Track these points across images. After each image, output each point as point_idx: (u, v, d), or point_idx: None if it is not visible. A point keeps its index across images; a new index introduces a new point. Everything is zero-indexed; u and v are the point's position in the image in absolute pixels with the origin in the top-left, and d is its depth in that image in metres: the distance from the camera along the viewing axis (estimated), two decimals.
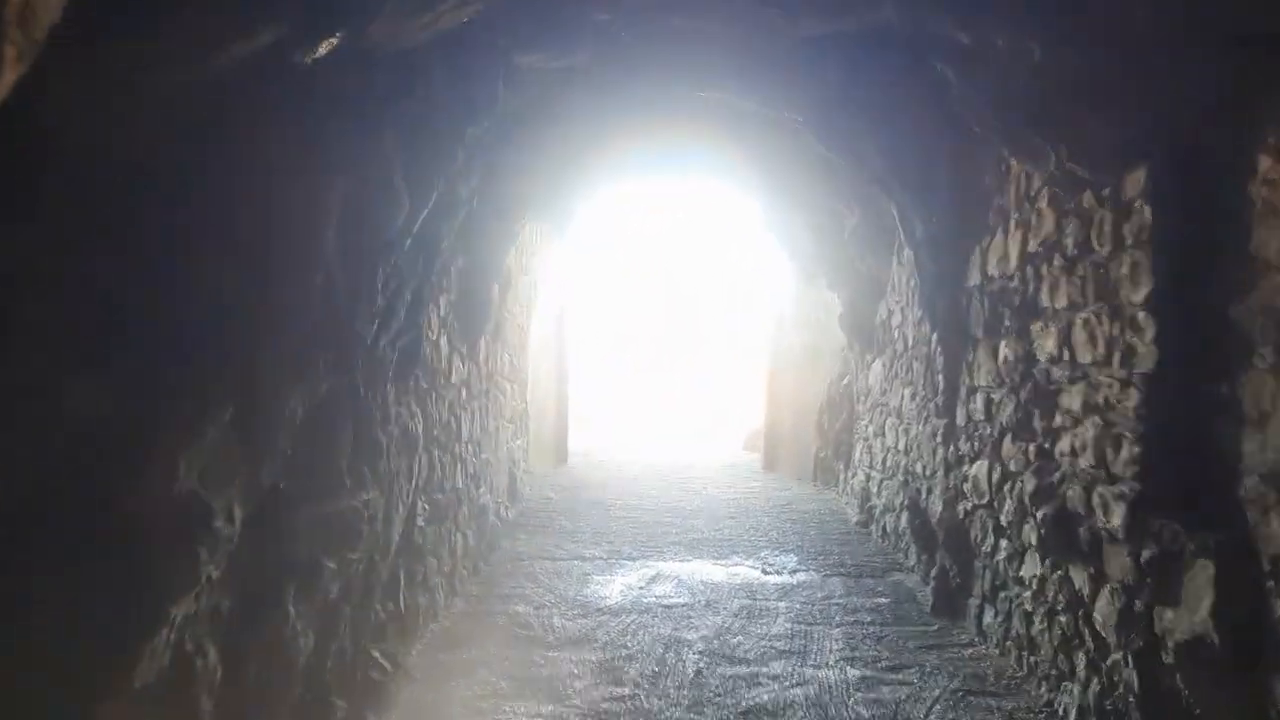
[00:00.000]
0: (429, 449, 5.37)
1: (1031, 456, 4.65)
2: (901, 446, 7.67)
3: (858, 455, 9.49)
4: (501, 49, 4.13)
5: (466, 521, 6.58)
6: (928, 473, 6.88)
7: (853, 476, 9.64)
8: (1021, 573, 4.79)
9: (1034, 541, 4.59)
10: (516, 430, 9.79)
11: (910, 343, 7.42)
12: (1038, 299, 4.61)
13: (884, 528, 8.06)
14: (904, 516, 7.36)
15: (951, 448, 6.34)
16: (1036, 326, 4.62)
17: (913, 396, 7.35)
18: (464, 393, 6.44)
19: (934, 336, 6.70)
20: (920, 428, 7.11)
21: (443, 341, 5.71)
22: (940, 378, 6.59)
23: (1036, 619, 4.57)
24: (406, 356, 4.51)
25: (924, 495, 6.94)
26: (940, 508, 6.41)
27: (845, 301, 9.47)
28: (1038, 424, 4.58)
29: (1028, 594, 4.69)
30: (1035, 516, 4.45)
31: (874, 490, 8.63)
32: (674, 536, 8.37)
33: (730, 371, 26.93)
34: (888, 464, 8.15)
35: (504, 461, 8.84)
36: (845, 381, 10.44)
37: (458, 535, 6.16)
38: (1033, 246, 4.70)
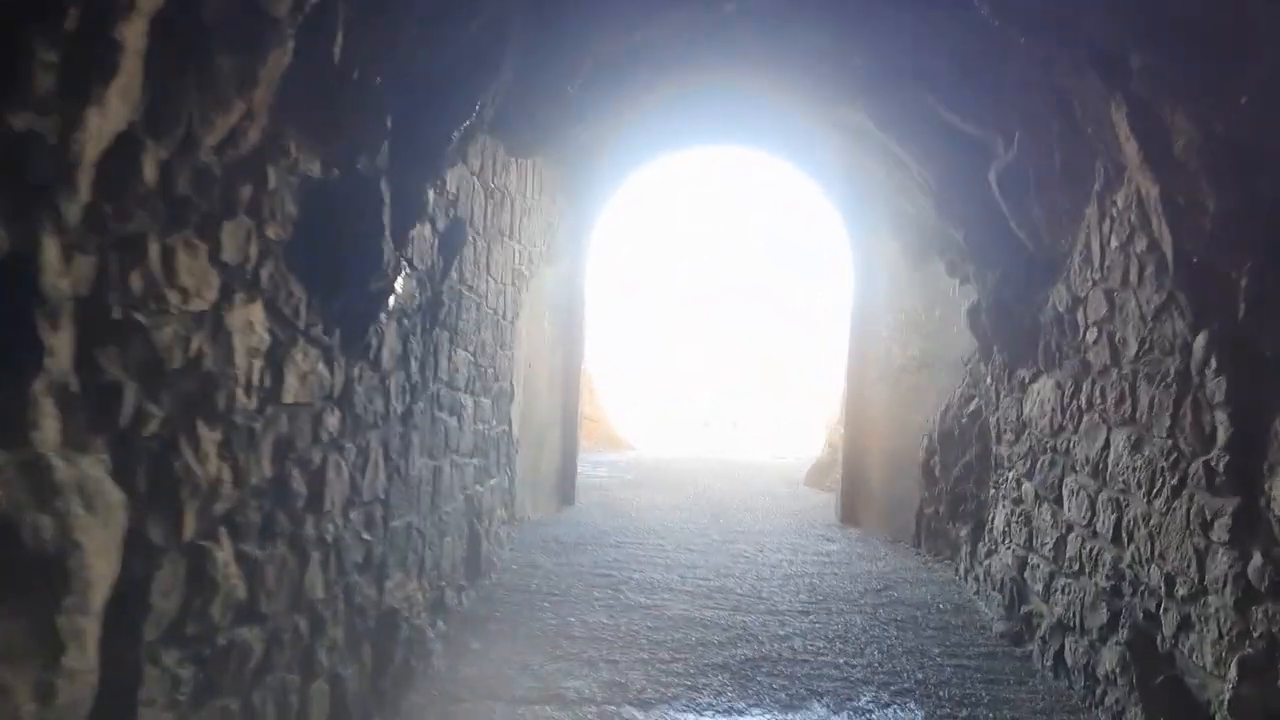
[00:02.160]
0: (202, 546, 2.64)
1: None
2: (1106, 528, 4.71)
3: (999, 522, 6.51)
4: None
5: (338, 653, 3.78)
6: (1182, 592, 3.92)
7: (988, 554, 6.67)
8: None
9: None
10: (490, 467, 6.98)
11: (1134, 353, 4.46)
12: None
13: (1062, 657, 5.09)
14: (1116, 656, 4.40)
15: (1256, 557, 3.40)
16: None
17: (1136, 446, 4.40)
18: (333, 420, 3.64)
19: (1201, 344, 3.77)
20: (1157, 503, 4.16)
21: (257, 319, 2.93)
22: (1221, 421, 3.66)
23: None
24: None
25: (1171, 634, 3.99)
26: (1233, 675, 3.45)
27: (983, 289, 6.51)
28: None
29: None
30: None
31: (1035, 586, 5.67)
32: (715, 650, 5.50)
33: (796, 384, 23.94)
34: (1069, 551, 5.19)
35: (458, 520, 6.03)
36: (973, 407, 7.46)
37: (295, 697, 3.37)
38: None
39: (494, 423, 7.05)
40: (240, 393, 2.87)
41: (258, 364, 2.96)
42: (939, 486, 8.03)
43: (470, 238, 5.83)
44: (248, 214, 2.83)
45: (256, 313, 2.95)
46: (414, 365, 4.71)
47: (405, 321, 4.54)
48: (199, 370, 2.63)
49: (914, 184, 7.33)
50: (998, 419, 6.68)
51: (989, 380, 6.87)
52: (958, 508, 7.65)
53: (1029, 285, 5.97)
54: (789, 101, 8.21)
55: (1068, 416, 5.31)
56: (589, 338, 19.98)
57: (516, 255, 7.69)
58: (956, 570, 7.46)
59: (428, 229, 4.79)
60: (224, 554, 2.84)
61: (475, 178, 5.91)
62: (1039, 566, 5.66)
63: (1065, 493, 5.31)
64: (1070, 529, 5.23)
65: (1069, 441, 5.30)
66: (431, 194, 4.71)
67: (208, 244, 2.61)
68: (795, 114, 8.51)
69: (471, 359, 6.16)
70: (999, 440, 6.68)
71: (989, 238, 6.33)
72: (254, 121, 2.81)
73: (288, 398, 3.21)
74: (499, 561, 7.01)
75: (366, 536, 4.12)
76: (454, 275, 5.46)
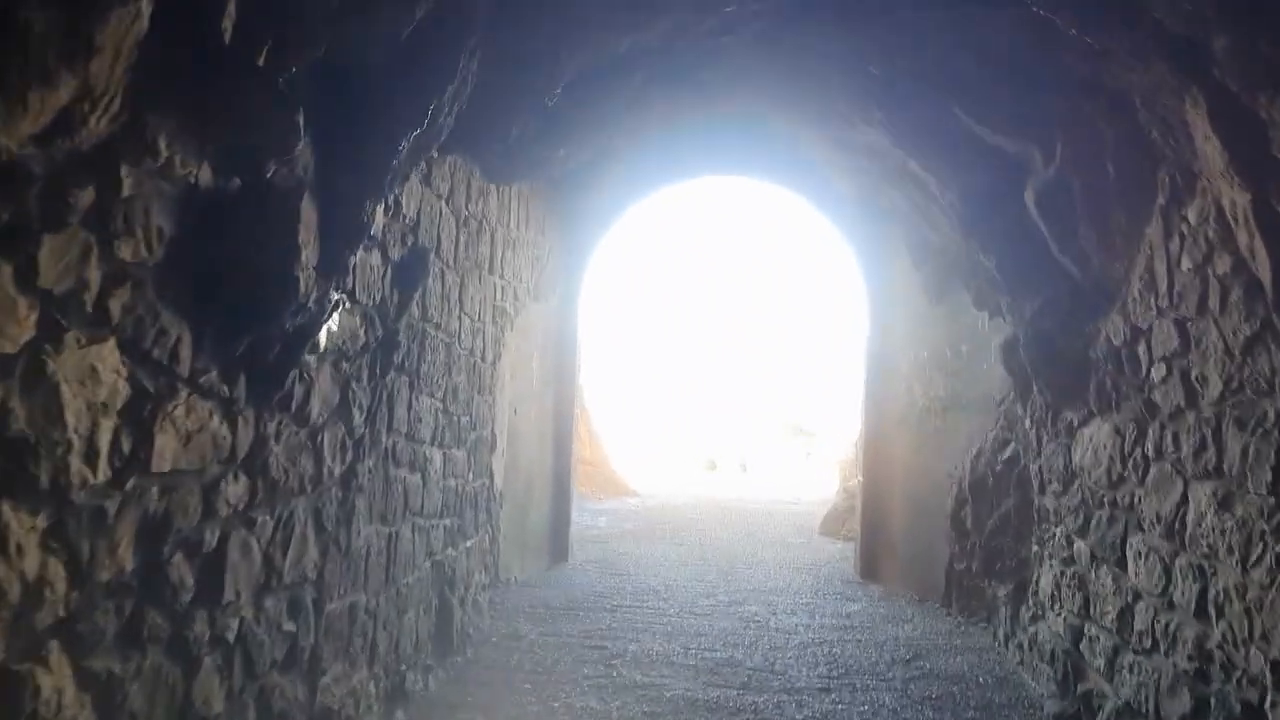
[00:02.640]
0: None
1: None
2: (1186, 599, 3.96)
3: (1045, 584, 5.76)
4: None
5: None
6: None
7: (1034, 619, 5.91)
8: None
9: None
10: (465, 526, 6.27)
11: (1218, 394, 3.75)
12: None
13: None
14: None
15: None
16: None
17: (1225, 503, 3.67)
18: (236, 488, 2.95)
19: None
20: (1256, 574, 3.43)
21: (107, 364, 2.26)
22: None
23: None
24: None
25: None
26: None
27: (1020, 321, 5.82)
28: None
29: None
30: None
31: (1095, 661, 4.91)
32: None
33: (809, 424, 23.20)
34: (1138, 623, 4.44)
35: (423, 591, 5.31)
36: (1009, 453, 6.74)
37: None
38: None
39: (470, 477, 6.34)
40: (78, 463, 2.18)
41: (107, 424, 2.28)
42: (971, 540, 7.27)
43: (436, 270, 5.17)
44: (86, 226, 2.16)
45: (106, 356, 2.28)
46: (357, 417, 4.03)
47: (345, 365, 3.87)
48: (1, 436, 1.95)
49: (937, 208, 6.68)
50: (1040, 467, 5.95)
51: (1028, 423, 6.15)
52: (994, 564, 6.89)
53: (1075, 316, 5.27)
54: (796, 123, 7.59)
55: (1130, 466, 4.59)
56: (585, 379, 19.36)
57: (498, 291, 7.04)
58: (994, 635, 6.68)
59: (376, 257, 4.13)
60: (54, 678, 2.14)
61: (443, 202, 5.27)
62: (1099, 639, 4.90)
63: (1130, 554, 4.57)
64: (1138, 597, 4.48)
65: (1133, 495, 4.57)
66: (381, 215, 4.06)
67: (11, 264, 1.94)
68: (802, 138, 7.90)
69: (440, 406, 5.47)
70: (1043, 490, 5.94)
71: (1025, 264, 5.66)
72: (98, 107, 2.15)
73: (161, 465, 2.52)
74: (476, 633, 6.26)
75: (290, 627, 3.41)
76: (415, 311, 4.80)
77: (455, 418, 5.85)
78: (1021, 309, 5.80)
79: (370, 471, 4.28)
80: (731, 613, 7.49)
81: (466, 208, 5.88)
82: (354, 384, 3.96)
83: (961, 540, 7.41)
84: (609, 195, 9.05)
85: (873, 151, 6.97)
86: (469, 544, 6.37)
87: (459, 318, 5.81)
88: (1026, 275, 5.70)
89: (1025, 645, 5.96)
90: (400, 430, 4.72)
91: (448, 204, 5.38)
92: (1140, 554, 4.46)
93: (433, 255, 4.81)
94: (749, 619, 7.32)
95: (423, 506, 5.21)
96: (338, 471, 3.85)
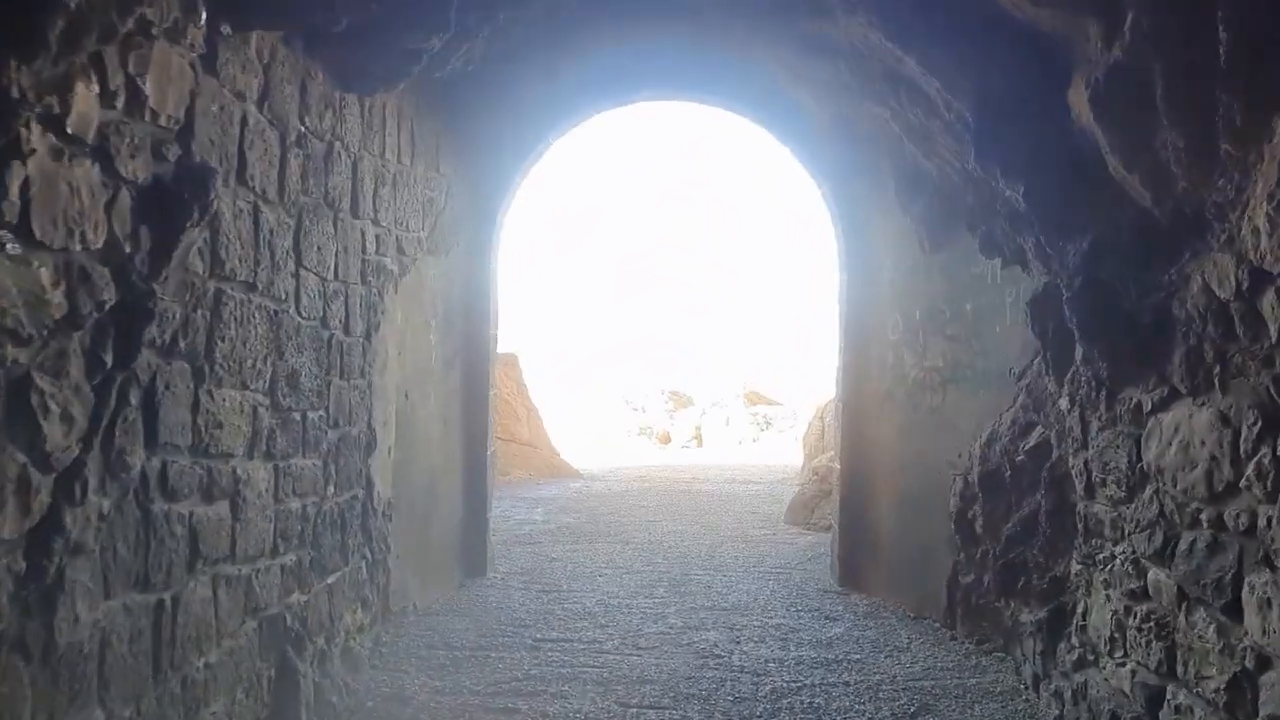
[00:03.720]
0: None
1: None
2: None
3: (1099, 619, 4.43)
4: None
5: None
6: None
7: (1080, 662, 4.59)
8: None
9: None
10: (323, 558, 4.79)
11: None
12: None
13: None
14: None
15: None
16: None
17: None
18: None
19: None
20: None
21: None
22: None
23: None
24: None
25: None
26: None
27: (1060, 267, 4.45)
28: None
29: None
30: None
31: None
32: None
33: (774, 390, 21.93)
34: (1267, 702, 3.12)
35: (246, 664, 3.83)
36: (1035, 439, 5.41)
37: None
38: None
39: (331, 491, 4.86)
40: None
41: None
42: (982, 548, 5.96)
43: (240, 205, 3.65)
44: None
45: None
46: (59, 434, 2.52)
47: (17, 353, 2.36)
48: None
49: (938, 125, 5.27)
50: (1087, 462, 4.61)
51: (1066, 403, 4.80)
52: (1014, 581, 5.58)
53: (1145, 259, 3.90)
54: (753, 17, 6.12)
55: (1251, 472, 3.24)
56: (519, 346, 17.79)
57: (372, 242, 5.52)
58: (1018, 672, 5.40)
59: (93, 170, 2.61)
60: None
61: (249, 106, 3.72)
62: (1192, 712, 3.59)
63: (1249, 599, 3.25)
64: (1265, 664, 3.16)
65: (1252, 514, 3.24)
66: (92, 99, 2.54)
67: None
68: (760, 46, 6.44)
69: (263, 402, 3.96)
70: (1090, 494, 4.61)
71: (1066, 192, 4.29)
72: None
73: None
74: (342, 700, 4.80)
75: None
76: (196, 265, 3.28)
77: (297, 415, 4.35)
78: (1061, 252, 4.43)
79: (105, 517, 2.78)
80: (685, 643, 6.12)
81: (303, 122, 4.34)
82: (42, 381, 2.45)
83: (969, 546, 6.10)
84: (527, 122, 7.52)
85: (855, 55, 5.53)
86: (331, 580, 4.90)
87: (294, 276, 4.29)
88: (1068, 206, 4.33)
89: (1068, 696, 4.66)
90: (176, 444, 3.22)
91: (261, 110, 3.84)
92: (1268, 601, 3.13)
93: (219, 180, 3.28)
94: (707, 652, 5.95)
95: (234, 548, 3.71)
96: (7, 530, 2.35)
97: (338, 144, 4.85)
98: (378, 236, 5.66)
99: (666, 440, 23.50)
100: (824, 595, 7.47)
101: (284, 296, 4.18)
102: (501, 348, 18.93)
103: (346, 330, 5.09)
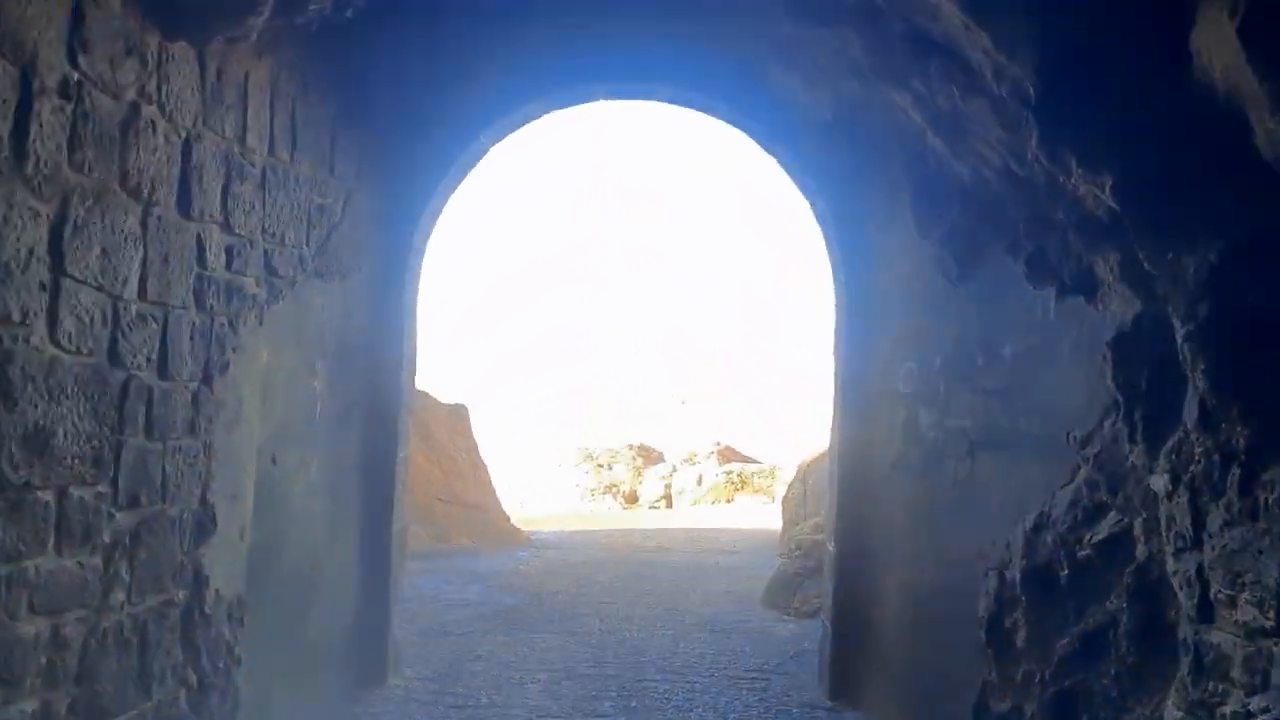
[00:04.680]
0: None
1: None
2: None
3: None
4: None
5: None
6: None
7: None
8: None
9: None
10: (104, 698, 3.38)
11: None
12: None
13: None
14: None
15: None
16: None
17: None
18: None
19: None
20: None
21: None
22: None
23: None
24: None
25: None
26: None
27: (1167, 291, 3.22)
28: None
29: None
30: None
31: None
32: None
33: (747, 450, 20.63)
34: None
35: None
36: (1108, 530, 4.09)
37: None
38: None
39: (120, 598, 3.47)
40: None
41: None
42: (1024, 668, 4.64)
43: None
44: None
45: None
46: None
47: None
48: None
49: (981, 106, 4.04)
50: (1202, 568, 3.32)
51: (1164, 482, 3.53)
52: (1072, 718, 4.26)
53: None
54: None
55: None
56: (455, 398, 16.30)
57: (217, 253, 4.20)
58: None
59: None
60: None
61: None
62: None
63: None
64: None
65: None
66: None
67: None
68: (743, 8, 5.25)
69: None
70: (1206, 614, 3.31)
71: (1185, 179, 3.07)
72: None
73: None
74: None
75: None
76: None
77: (43, 494, 2.98)
78: (1171, 268, 3.18)
79: None
80: None
81: (76, 63, 3.04)
82: None
83: (1005, 665, 4.78)
84: (456, 121, 6.27)
85: (868, 13, 4.30)
86: None
87: (45, 287, 2.95)
88: (1183, 203, 3.10)
89: None
90: None
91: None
92: None
93: None
94: None
95: None
96: None
97: (149, 109, 3.55)
98: (230, 248, 4.34)
99: (633, 500, 22.08)
100: (811, 713, 6.10)
101: (20, 318, 2.83)
102: (449, 397, 17.56)
103: (163, 372, 3.74)
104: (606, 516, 19.34)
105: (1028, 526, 4.68)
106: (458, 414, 15.86)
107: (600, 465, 23.47)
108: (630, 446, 24.13)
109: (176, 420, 3.89)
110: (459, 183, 6.59)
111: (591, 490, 22.01)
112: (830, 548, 6.55)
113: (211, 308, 4.19)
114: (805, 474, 14.78)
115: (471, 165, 6.59)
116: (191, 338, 4.00)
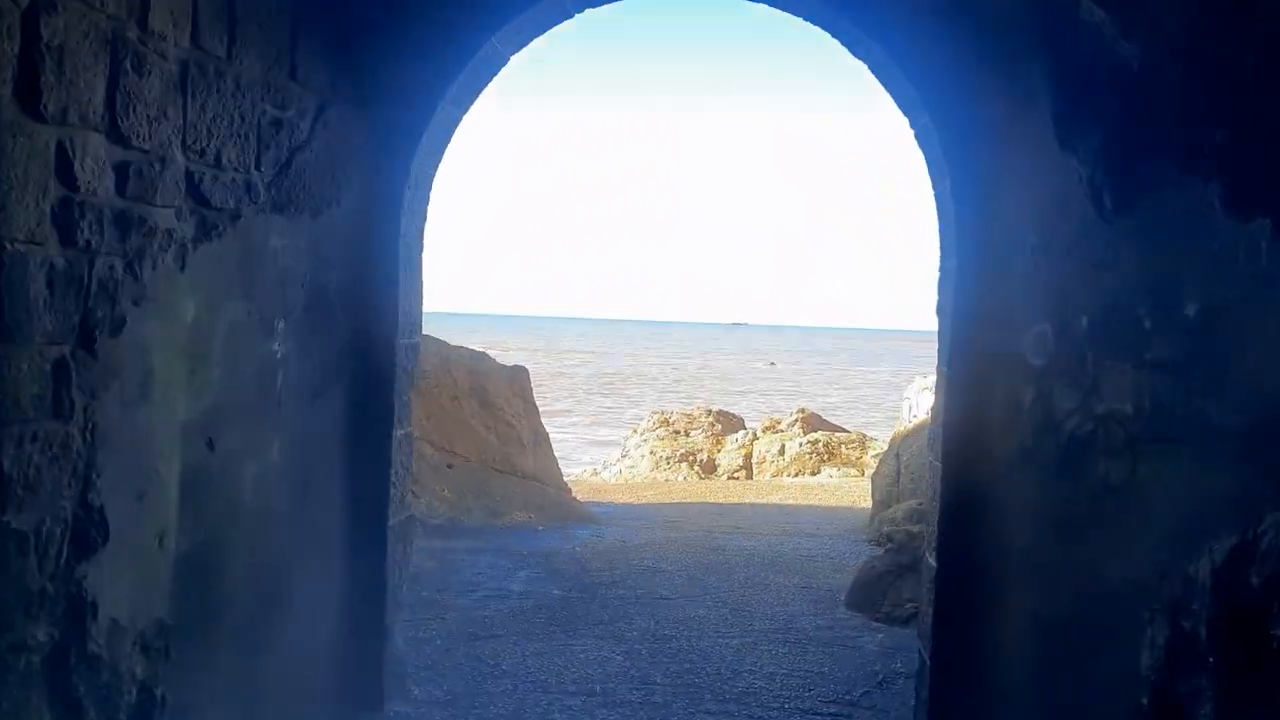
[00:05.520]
0: None
1: None
2: None
3: None
4: None
5: None
6: None
7: None
8: None
9: None
10: None
11: None
12: None
13: None
14: None
15: None
16: None
17: None
18: None
19: None
20: None
21: None
22: None
23: None
24: None
25: None
26: None
27: None
28: None
29: None
30: None
31: None
32: None
33: (831, 417, 19.39)
34: None
35: None
36: None
37: None
38: None
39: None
40: None
41: None
42: None
43: None
44: None
45: None
46: None
47: None
48: None
49: None
50: None
51: None
52: None
53: None
54: None
55: None
56: (512, 360, 15.39)
57: (95, 170, 3.17)
58: None
59: None
60: None
61: None
62: None
63: None
64: None
65: None
66: None
67: None
68: None
69: None
70: None
71: None
72: None
73: None
74: None
75: None
76: None
77: None
78: None
79: None
80: None
81: None
82: None
83: None
84: (460, 18, 5.13)
85: None
86: None
87: None
88: None
89: None
90: None
91: None
92: None
93: None
94: None
95: None
96: None
97: None
98: (125, 165, 3.31)
99: (710, 470, 20.96)
100: None
101: None
102: (507, 359, 16.62)
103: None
104: (681, 487, 18.28)
105: (1218, 558, 3.38)
106: (517, 377, 14.94)
107: (677, 432, 22.41)
108: (708, 412, 23.02)
109: (22, 397, 2.88)
110: (472, 98, 5.46)
111: (667, 458, 20.97)
112: (930, 560, 5.31)
113: (90, 245, 3.17)
114: (899, 447, 13.47)
115: (487, 77, 5.45)
116: (50, 285, 2.99)
